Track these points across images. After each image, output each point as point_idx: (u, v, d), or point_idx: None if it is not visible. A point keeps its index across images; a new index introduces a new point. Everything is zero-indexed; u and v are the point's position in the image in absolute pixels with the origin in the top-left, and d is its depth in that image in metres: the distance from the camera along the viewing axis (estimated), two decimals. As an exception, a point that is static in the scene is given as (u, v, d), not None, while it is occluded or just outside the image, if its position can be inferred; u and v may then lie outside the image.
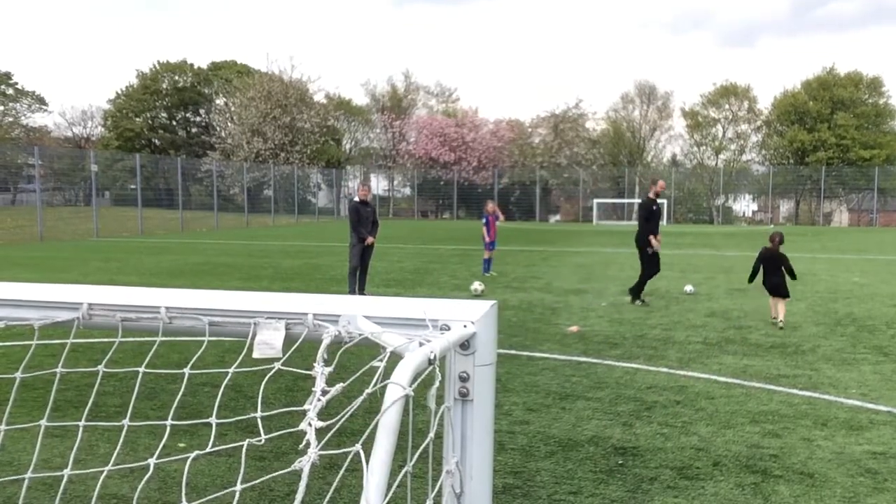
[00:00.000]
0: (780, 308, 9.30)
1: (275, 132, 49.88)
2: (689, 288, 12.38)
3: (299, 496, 0.96)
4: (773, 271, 9.41)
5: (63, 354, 1.54)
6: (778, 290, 9.35)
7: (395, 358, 1.13)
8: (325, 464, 4.04)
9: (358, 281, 11.28)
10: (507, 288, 12.84)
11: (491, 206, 15.72)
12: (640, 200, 14.11)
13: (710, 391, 6.15)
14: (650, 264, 11.07)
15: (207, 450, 1.37)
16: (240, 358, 1.36)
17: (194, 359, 1.52)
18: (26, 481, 1.50)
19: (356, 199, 11.51)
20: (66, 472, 1.41)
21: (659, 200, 11.58)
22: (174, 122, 61.74)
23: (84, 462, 4.24)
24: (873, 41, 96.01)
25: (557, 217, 55.50)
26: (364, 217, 11.25)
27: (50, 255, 19.46)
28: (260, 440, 1.25)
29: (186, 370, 1.44)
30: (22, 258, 18.40)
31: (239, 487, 1.13)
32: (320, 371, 1.18)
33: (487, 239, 15.00)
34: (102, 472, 1.52)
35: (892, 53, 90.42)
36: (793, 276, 9.45)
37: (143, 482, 3.91)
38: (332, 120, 56.77)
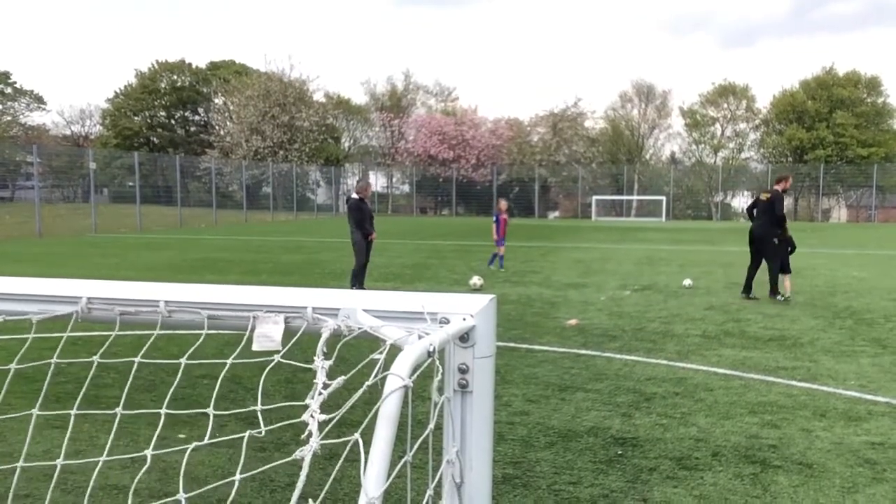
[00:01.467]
0: (786, 284, 10.89)
1: (273, 131, 49.86)
2: (687, 282, 12.41)
3: (299, 485, 0.96)
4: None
5: (61, 347, 1.54)
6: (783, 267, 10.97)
7: (395, 351, 1.13)
8: (325, 454, 4.03)
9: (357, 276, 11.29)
10: (507, 282, 12.85)
11: (504, 204, 15.87)
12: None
13: (709, 383, 6.16)
14: (776, 256, 11.08)
15: (206, 441, 1.37)
16: (238, 349, 1.37)
17: (191, 349, 1.52)
18: (17, 470, 1.50)
19: (354, 195, 11.50)
20: (60, 461, 1.42)
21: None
22: (173, 121, 61.66)
23: (85, 453, 4.24)
24: (872, 42, 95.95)
25: (556, 213, 55.49)
26: (367, 213, 11.27)
27: (48, 250, 19.44)
28: (260, 432, 1.25)
29: (183, 360, 1.44)
30: (20, 253, 18.39)
31: (238, 477, 1.14)
32: (321, 364, 1.19)
33: (499, 235, 15.20)
34: (100, 461, 1.53)
35: (891, 54, 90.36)
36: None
37: (141, 472, 3.92)
38: (331, 118, 56.72)
